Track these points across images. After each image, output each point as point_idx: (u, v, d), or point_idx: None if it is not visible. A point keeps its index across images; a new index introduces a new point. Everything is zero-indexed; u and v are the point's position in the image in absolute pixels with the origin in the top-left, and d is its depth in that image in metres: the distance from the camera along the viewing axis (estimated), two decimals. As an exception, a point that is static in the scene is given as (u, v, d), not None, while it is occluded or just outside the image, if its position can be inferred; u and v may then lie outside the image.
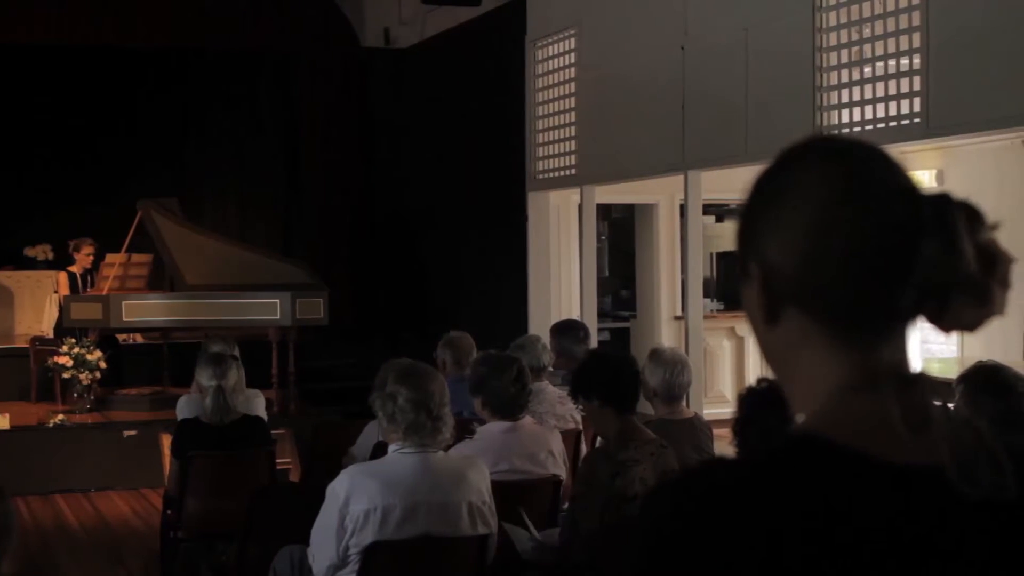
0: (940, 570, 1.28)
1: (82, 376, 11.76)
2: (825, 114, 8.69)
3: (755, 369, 12.94)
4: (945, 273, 1.32)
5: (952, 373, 5.49)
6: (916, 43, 7.89)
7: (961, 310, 1.33)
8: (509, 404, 5.70)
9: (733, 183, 12.03)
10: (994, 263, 1.34)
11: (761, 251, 1.39)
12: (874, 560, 1.26)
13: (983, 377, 4.58)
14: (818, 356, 1.37)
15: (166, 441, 7.87)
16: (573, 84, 11.94)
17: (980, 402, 4.47)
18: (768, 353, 1.44)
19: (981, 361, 4.78)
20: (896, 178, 1.38)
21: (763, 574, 1.25)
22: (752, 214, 1.43)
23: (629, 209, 14.24)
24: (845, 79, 8.60)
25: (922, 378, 1.37)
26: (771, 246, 1.38)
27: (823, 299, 1.36)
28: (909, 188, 1.37)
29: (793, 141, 1.45)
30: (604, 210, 14.27)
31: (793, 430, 1.38)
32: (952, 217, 1.33)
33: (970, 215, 1.35)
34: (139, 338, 14.23)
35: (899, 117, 8.11)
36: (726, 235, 15.55)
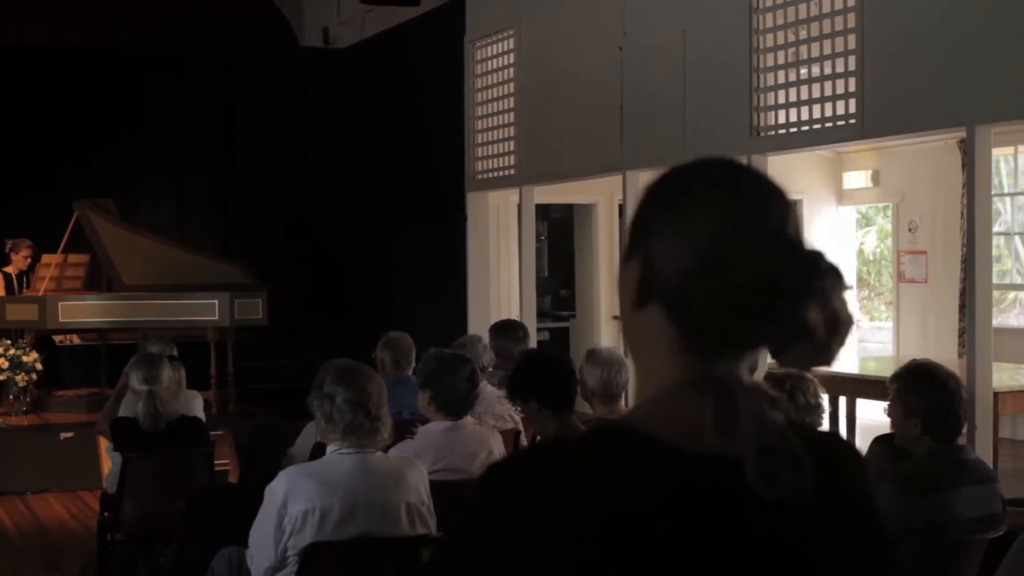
0: (723, 551, 1.40)
1: (18, 378, 11.65)
2: (762, 115, 8.75)
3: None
4: (798, 328, 1.43)
5: (888, 371, 5.55)
6: (852, 45, 7.97)
7: (799, 355, 1.47)
8: (457, 401, 5.68)
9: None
10: (838, 327, 1.46)
11: (648, 249, 1.49)
12: (659, 535, 1.38)
13: (916, 375, 4.62)
14: (666, 351, 1.49)
15: (104, 443, 7.81)
16: (512, 84, 11.95)
17: (913, 400, 4.52)
18: (629, 334, 1.56)
19: (915, 359, 4.83)
20: (787, 225, 1.50)
21: (557, 552, 1.36)
22: (647, 214, 1.53)
23: (568, 209, 14.29)
24: (782, 80, 8.68)
25: (753, 390, 1.48)
26: (658, 249, 1.49)
27: (686, 311, 1.47)
28: (793, 240, 1.49)
29: (704, 156, 1.55)
30: (543, 210, 14.30)
31: (611, 418, 1.49)
32: (821, 281, 1.44)
33: (836, 276, 1.46)
34: (76, 339, 14.09)
35: (835, 118, 8.19)
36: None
